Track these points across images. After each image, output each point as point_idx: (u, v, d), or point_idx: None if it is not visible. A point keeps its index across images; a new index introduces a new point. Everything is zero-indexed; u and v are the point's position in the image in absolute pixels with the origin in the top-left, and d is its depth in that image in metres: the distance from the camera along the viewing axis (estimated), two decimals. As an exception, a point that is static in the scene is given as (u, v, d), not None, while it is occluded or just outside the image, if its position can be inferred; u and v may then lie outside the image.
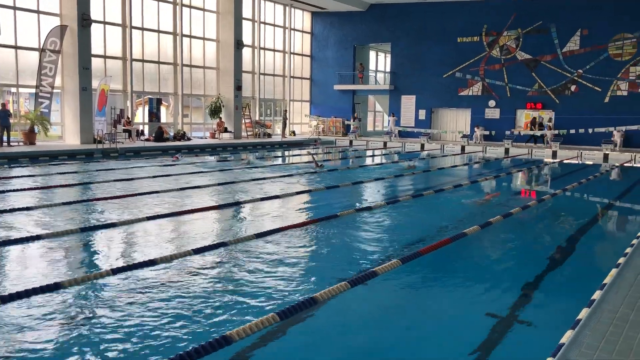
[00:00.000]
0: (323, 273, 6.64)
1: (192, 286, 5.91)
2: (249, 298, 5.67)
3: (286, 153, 24.89)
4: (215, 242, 7.55)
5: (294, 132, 32.21)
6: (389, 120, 32.90)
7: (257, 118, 31.59)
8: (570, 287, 6.50)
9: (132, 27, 25.26)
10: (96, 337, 4.69)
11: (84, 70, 22.16)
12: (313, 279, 6.41)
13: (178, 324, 4.99)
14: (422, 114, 32.20)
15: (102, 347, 4.52)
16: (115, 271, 6.16)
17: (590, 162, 23.18)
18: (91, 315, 5.14)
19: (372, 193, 13.26)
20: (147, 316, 5.13)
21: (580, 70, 28.11)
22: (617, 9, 27.11)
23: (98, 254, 7.46)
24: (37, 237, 7.60)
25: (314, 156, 18.93)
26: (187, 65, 28.14)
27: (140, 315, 5.15)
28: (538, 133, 28.53)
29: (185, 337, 4.76)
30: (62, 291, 5.56)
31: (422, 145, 28.78)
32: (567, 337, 4.25)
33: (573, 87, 28.38)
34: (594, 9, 27.60)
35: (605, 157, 24.21)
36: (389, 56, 34.90)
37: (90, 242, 7.86)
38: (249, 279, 6.27)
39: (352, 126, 32.63)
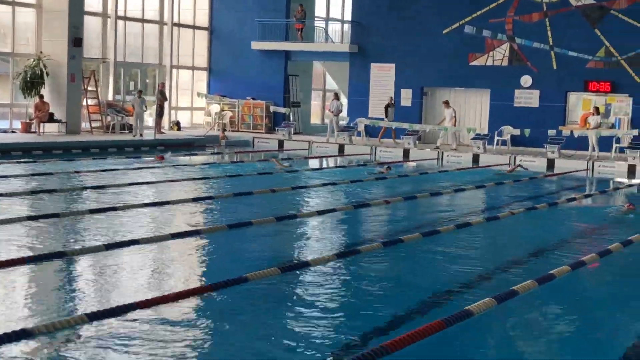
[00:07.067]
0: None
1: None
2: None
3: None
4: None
5: (177, 125, 23.44)
6: (331, 105, 23.47)
7: (110, 97, 23.58)
8: None
9: None
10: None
11: None
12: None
13: None
14: (407, 97, 23.45)
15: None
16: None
17: None
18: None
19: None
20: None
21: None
22: None
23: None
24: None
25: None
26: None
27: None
28: None
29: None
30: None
31: (406, 152, 20.56)
32: None
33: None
34: None
35: None
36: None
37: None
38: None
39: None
